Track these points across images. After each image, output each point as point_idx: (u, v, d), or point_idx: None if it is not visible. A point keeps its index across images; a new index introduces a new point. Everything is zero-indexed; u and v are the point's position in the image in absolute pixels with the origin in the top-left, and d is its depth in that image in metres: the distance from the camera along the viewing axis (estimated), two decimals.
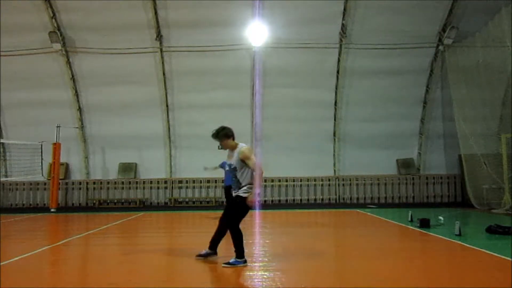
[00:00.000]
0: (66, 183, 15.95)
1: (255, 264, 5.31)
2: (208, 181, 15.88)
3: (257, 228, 8.39)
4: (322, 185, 15.91)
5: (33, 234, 9.12)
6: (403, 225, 9.00)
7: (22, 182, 15.75)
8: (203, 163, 15.67)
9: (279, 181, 15.69)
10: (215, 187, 15.88)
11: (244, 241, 5.24)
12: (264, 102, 15.40)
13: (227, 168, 9.82)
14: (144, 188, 15.98)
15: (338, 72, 15.24)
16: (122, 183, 15.92)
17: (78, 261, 6.26)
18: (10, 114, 15.71)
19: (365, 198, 15.83)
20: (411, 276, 4.81)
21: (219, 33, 14.45)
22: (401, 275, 4.82)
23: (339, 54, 15.01)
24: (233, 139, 5.46)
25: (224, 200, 15.48)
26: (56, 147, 14.43)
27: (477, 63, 12.48)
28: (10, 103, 15.45)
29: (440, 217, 9.00)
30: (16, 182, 15.74)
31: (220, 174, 15.95)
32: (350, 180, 15.93)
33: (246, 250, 5.89)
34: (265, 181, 15.45)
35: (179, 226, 10.58)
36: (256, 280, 4.61)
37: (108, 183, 15.97)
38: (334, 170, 15.99)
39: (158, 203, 15.92)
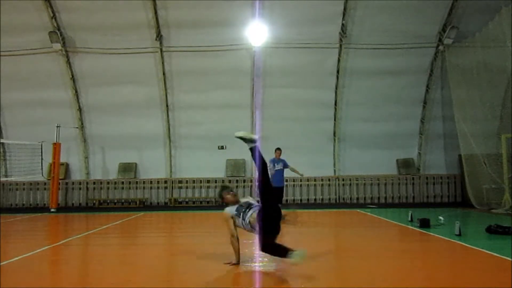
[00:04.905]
0: (66, 183, 15.94)
1: (255, 264, 5.31)
2: (208, 181, 15.88)
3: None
4: (322, 185, 15.92)
5: (33, 234, 9.12)
6: (403, 225, 9.00)
7: (22, 182, 15.75)
8: (203, 163, 15.81)
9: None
10: (215, 187, 15.85)
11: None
12: (264, 102, 15.40)
13: (276, 168, 10.07)
14: (144, 188, 15.98)
15: (338, 72, 15.24)
16: (122, 183, 15.92)
17: (78, 261, 6.26)
18: (10, 114, 15.71)
19: (365, 198, 15.82)
20: (411, 276, 4.81)
21: (219, 33, 14.45)
22: (401, 275, 4.82)
23: (339, 54, 15.01)
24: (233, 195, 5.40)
25: None
26: (56, 147, 14.42)
27: (477, 63, 12.48)
28: (10, 103, 15.45)
29: (440, 217, 9.00)
30: (16, 182, 15.73)
31: (220, 174, 16.08)
32: (350, 180, 15.92)
33: (246, 250, 5.90)
34: None
35: (179, 226, 10.57)
36: (256, 280, 4.61)
37: (108, 183, 15.97)
38: (334, 170, 15.99)
39: (158, 203, 15.92)
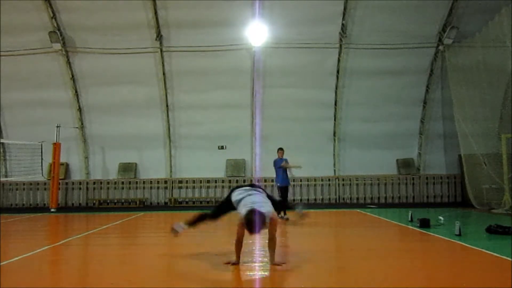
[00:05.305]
0: (66, 183, 15.95)
1: (255, 264, 5.31)
2: (208, 181, 15.88)
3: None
4: (322, 185, 15.92)
5: (33, 234, 9.12)
6: (403, 225, 9.00)
7: (22, 182, 15.75)
8: (203, 163, 15.81)
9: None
10: (215, 187, 15.88)
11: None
12: (264, 102, 15.41)
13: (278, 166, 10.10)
14: (144, 188, 15.98)
15: (338, 72, 15.25)
16: (122, 183, 15.92)
17: (78, 261, 6.25)
18: (10, 114, 15.72)
19: (365, 198, 15.82)
20: (411, 276, 4.80)
21: (219, 33, 14.46)
22: (401, 275, 4.82)
23: (339, 54, 15.02)
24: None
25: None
26: (56, 147, 14.43)
27: (477, 63, 12.47)
28: (10, 103, 15.46)
29: (440, 217, 9.00)
30: (16, 182, 15.74)
31: (220, 174, 16.08)
32: (350, 180, 15.92)
33: (245, 250, 5.89)
34: (265, 181, 15.47)
35: None
36: (256, 280, 4.61)
37: (108, 183, 15.97)
38: (334, 170, 15.99)
39: (158, 203, 15.92)
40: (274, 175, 11.10)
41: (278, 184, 10.69)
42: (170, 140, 15.90)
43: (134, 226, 10.28)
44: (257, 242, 6.75)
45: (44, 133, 14.51)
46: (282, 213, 10.13)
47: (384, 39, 14.55)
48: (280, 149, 10.88)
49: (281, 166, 10.64)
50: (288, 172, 10.75)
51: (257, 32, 14.29)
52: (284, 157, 10.86)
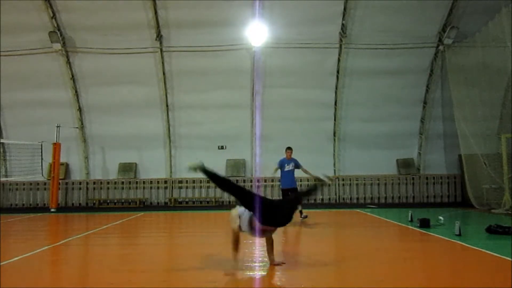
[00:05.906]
0: (66, 183, 15.94)
1: (255, 264, 5.31)
2: (208, 181, 15.79)
3: None
4: (322, 185, 15.87)
5: (33, 234, 9.12)
6: (403, 225, 9.00)
7: (22, 182, 15.75)
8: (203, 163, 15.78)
9: (279, 181, 15.64)
10: (215, 187, 15.84)
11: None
12: (264, 102, 15.40)
13: (286, 169, 9.52)
14: (144, 188, 15.98)
15: (338, 72, 15.24)
16: (122, 183, 15.92)
17: (78, 261, 6.26)
18: (10, 114, 15.71)
19: (365, 198, 15.82)
20: (411, 276, 4.81)
21: (219, 33, 14.46)
22: (401, 275, 4.82)
23: (339, 54, 15.01)
24: None
25: (225, 200, 15.65)
26: (56, 147, 14.43)
27: (477, 63, 12.47)
28: (10, 103, 15.45)
29: (440, 217, 9.00)
30: (16, 182, 15.74)
31: (220, 174, 16.03)
32: (350, 180, 15.92)
33: (246, 250, 5.90)
34: (265, 181, 15.46)
35: (179, 226, 10.58)
36: (256, 280, 4.61)
37: (108, 183, 15.97)
38: (334, 170, 15.98)
39: (158, 203, 15.92)
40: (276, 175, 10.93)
41: (283, 187, 10.14)
42: (170, 140, 15.90)
43: (134, 226, 10.28)
44: (257, 243, 6.75)
45: (44, 133, 14.51)
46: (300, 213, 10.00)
47: (384, 39, 14.54)
48: (289, 148, 10.22)
49: (305, 171, 9.88)
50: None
51: (257, 32, 14.28)
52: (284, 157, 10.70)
